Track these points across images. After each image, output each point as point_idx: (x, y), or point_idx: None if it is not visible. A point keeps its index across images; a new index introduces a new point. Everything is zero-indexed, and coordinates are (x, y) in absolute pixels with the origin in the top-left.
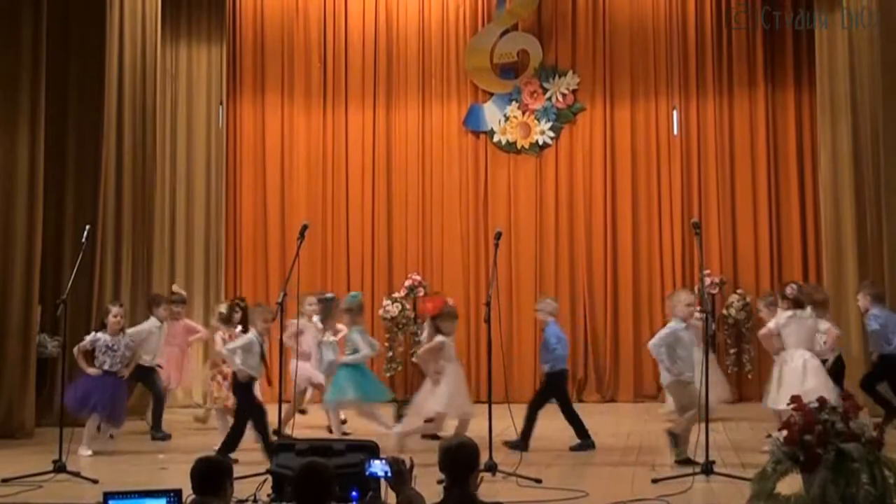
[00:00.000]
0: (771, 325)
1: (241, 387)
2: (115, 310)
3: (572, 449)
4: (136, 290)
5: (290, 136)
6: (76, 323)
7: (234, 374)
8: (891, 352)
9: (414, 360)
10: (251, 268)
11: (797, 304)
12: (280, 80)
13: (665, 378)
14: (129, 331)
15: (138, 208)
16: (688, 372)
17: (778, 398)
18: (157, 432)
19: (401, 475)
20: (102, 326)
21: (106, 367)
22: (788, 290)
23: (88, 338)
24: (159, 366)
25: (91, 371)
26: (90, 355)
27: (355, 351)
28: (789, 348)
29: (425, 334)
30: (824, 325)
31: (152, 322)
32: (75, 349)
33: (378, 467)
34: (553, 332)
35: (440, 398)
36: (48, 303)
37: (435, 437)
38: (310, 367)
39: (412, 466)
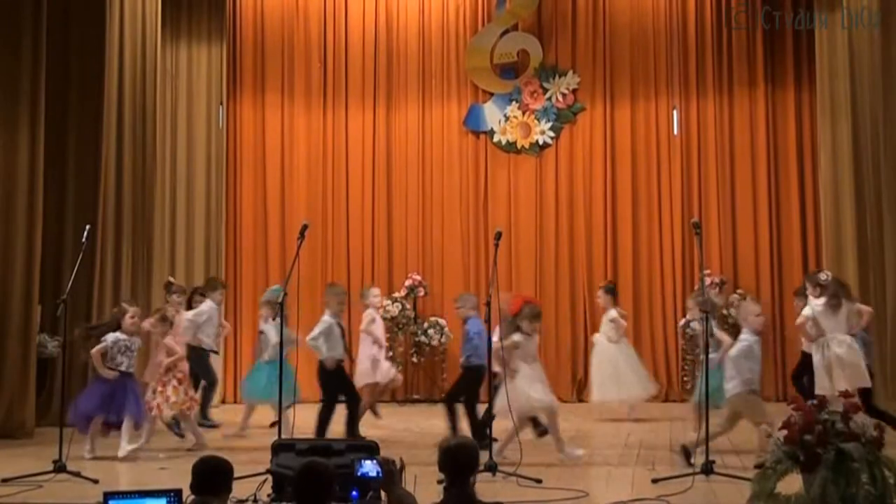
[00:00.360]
0: (807, 311)
1: (332, 374)
2: (132, 310)
3: None
4: (136, 290)
5: (290, 136)
6: (76, 323)
7: (321, 363)
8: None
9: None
10: (251, 268)
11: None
12: (280, 80)
13: (733, 388)
14: (189, 313)
15: (138, 208)
16: (755, 384)
17: (831, 386)
18: (205, 420)
19: (391, 475)
20: (118, 327)
21: (123, 367)
22: (823, 277)
23: (110, 338)
24: (215, 351)
25: (108, 374)
26: (105, 356)
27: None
28: (828, 333)
29: (500, 332)
30: (855, 306)
31: (210, 304)
32: (94, 350)
33: (369, 467)
34: (474, 327)
35: (505, 397)
36: (48, 303)
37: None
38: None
39: (402, 467)
